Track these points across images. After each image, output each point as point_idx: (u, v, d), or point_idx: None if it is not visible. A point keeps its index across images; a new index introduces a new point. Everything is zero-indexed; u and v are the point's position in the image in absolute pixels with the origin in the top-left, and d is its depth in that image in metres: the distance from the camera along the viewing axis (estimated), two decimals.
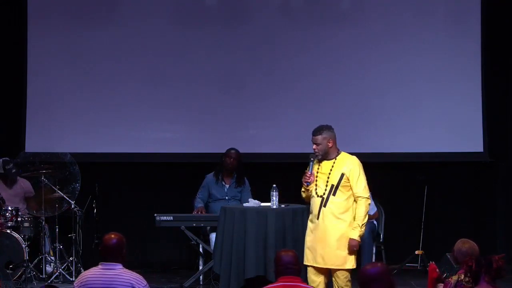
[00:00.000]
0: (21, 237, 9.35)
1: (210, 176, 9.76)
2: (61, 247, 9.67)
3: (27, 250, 9.27)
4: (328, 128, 7.27)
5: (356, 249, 7.15)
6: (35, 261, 9.45)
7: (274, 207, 7.97)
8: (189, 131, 10.81)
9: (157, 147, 10.75)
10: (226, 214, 8.06)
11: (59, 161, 9.92)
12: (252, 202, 8.24)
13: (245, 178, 9.76)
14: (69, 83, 10.81)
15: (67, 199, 9.65)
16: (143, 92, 10.79)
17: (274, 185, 8.02)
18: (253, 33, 10.77)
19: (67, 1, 10.91)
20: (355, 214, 7.14)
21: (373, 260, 9.71)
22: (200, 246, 9.50)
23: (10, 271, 9.08)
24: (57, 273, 9.42)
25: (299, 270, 5.56)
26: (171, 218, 9.23)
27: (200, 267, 9.46)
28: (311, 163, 7.27)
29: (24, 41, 10.83)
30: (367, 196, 7.18)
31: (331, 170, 7.18)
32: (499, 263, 4.94)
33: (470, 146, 10.62)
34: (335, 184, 7.13)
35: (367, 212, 7.22)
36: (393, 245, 10.25)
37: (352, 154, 10.51)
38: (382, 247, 10.01)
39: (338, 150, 7.30)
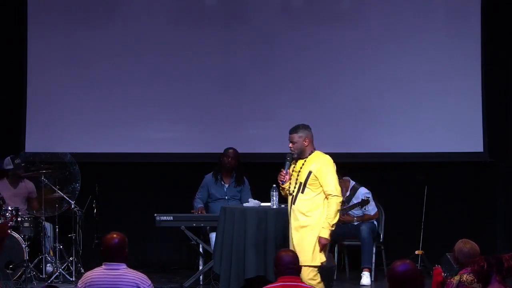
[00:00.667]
0: (21, 237, 9.35)
1: (209, 176, 9.77)
2: (61, 247, 9.67)
3: (27, 250, 9.26)
4: (305, 127, 7.33)
5: (326, 248, 7.18)
6: (35, 261, 9.44)
7: (274, 207, 7.97)
8: (189, 131, 10.81)
9: (157, 147, 10.75)
10: (226, 214, 8.06)
11: (59, 161, 9.91)
12: (252, 202, 8.24)
13: (245, 177, 9.76)
14: (69, 83, 10.81)
15: (67, 199, 9.65)
16: (143, 92, 10.78)
17: (274, 185, 8.02)
18: (253, 33, 10.77)
19: (67, 1, 10.90)
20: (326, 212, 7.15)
21: (373, 260, 9.72)
22: (200, 246, 9.50)
23: (10, 271, 9.07)
24: (57, 273, 9.41)
25: (299, 270, 5.56)
26: (171, 218, 9.23)
27: (200, 267, 9.46)
28: (287, 162, 7.34)
29: (24, 41, 10.82)
30: (337, 194, 7.14)
31: (301, 168, 7.23)
32: (510, 262, 4.93)
33: (470, 146, 10.62)
34: (302, 182, 7.18)
35: (338, 211, 7.18)
36: (393, 245, 10.24)
37: (352, 154, 10.63)
38: (382, 247, 10.01)
39: (314, 149, 7.33)
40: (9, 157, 9.95)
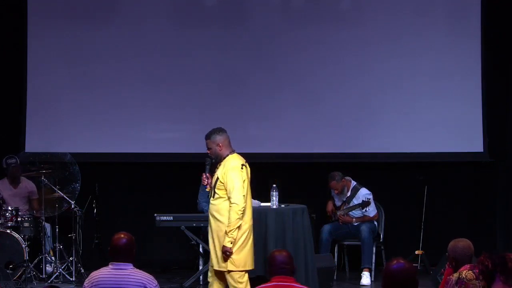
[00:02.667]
0: (21, 237, 9.35)
1: None
2: (61, 247, 9.67)
3: (27, 250, 9.27)
4: (217, 131, 7.35)
5: (227, 254, 7.09)
6: (35, 261, 9.44)
7: (274, 207, 7.98)
8: (189, 131, 10.80)
9: (157, 147, 10.75)
10: None
11: (59, 161, 9.92)
12: (252, 202, 8.23)
13: None
14: (69, 83, 10.82)
15: (67, 199, 9.65)
16: (143, 92, 10.78)
17: (274, 185, 8.02)
18: (253, 33, 10.77)
19: (67, 1, 10.91)
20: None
21: (373, 260, 9.73)
22: (200, 246, 9.50)
23: (10, 271, 9.07)
24: (57, 273, 9.41)
25: (293, 270, 5.53)
26: (171, 218, 9.23)
27: (200, 267, 9.46)
28: (206, 166, 7.37)
29: (24, 41, 10.83)
30: (236, 202, 7.06)
31: (215, 172, 7.27)
32: None
33: (470, 146, 10.62)
34: (213, 186, 7.21)
35: (238, 220, 7.05)
36: (393, 245, 10.25)
37: (352, 154, 10.63)
38: (382, 247, 10.01)
39: (230, 152, 7.31)
40: (4, 159, 9.96)
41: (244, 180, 7.15)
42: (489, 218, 10.78)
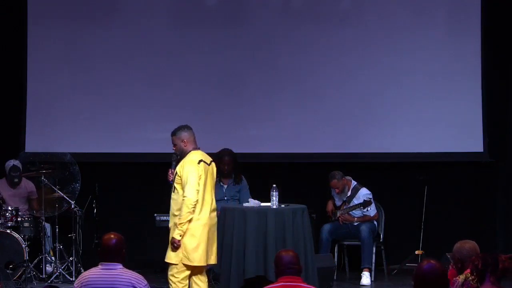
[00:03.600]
0: (21, 237, 9.35)
1: None
2: (61, 247, 9.67)
3: (27, 250, 9.27)
4: (183, 128, 7.47)
5: (175, 246, 7.27)
6: (35, 261, 9.45)
7: (274, 207, 7.98)
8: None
9: (157, 147, 10.72)
10: (226, 214, 8.06)
11: (59, 161, 9.92)
12: (252, 202, 8.24)
13: (243, 176, 9.74)
14: (69, 83, 10.82)
15: (67, 199, 9.65)
16: (143, 92, 10.79)
17: (274, 185, 8.02)
18: (253, 33, 10.77)
19: (67, 2, 10.91)
20: None
21: (373, 260, 9.73)
22: None
23: (10, 271, 9.07)
24: (57, 273, 9.42)
25: (300, 270, 5.54)
26: None
27: None
28: (173, 162, 7.50)
29: (24, 41, 10.83)
30: (188, 196, 7.21)
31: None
32: (505, 264, 4.92)
33: (470, 146, 10.62)
34: (173, 182, 7.34)
35: (189, 213, 7.22)
36: (393, 245, 10.25)
37: (352, 154, 10.63)
38: (382, 247, 10.02)
39: (193, 149, 7.44)
40: (12, 164, 9.94)
41: (200, 176, 7.27)
42: (489, 218, 10.78)
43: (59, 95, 10.83)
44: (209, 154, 10.19)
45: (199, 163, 7.31)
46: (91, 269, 5.64)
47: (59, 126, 10.78)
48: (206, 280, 7.57)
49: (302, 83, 10.71)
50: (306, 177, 10.72)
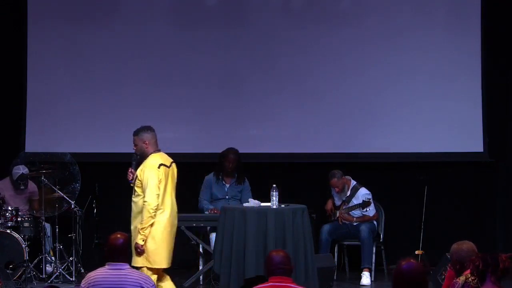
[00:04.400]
0: (21, 237, 9.35)
1: (209, 177, 9.77)
2: (61, 247, 9.67)
3: (27, 250, 9.27)
4: (145, 129, 7.53)
5: (139, 251, 7.26)
6: (35, 261, 9.44)
7: (274, 207, 7.97)
8: (189, 131, 10.81)
9: None
10: (226, 214, 8.06)
11: (59, 161, 9.92)
12: (252, 202, 8.23)
13: (245, 177, 9.76)
14: (69, 83, 10.82)
15: (67, 199, 9.65)
16: (143, 92, 10.79)
17: (274, 185, 8.02)
18: (253, 33, 10.77)
19: (67, 2, 10.91)
20: None
21: (373, 260, 9.73)
22: (200, 246, 9.50)
23: (10, 271, 9.07)
24: (57, 273, 9.41)
25: (291, 271, 5.53)
26: None
27: (200, 267, 9.47)
28: (133, 162, 7.53)
29: (24, 41, 10.83)
30: (148, 201, 7.26)
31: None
32: (505, 263, 4.91)
33: (470, 146, 10.62)
34: (133, 184, 7.38)
35: (150, 218, 7.27)
36: (393, 245, 10.25)
37: (352, 154, 10.63)
38: (382, 247, 10.02)
39: (155, 151, 7.49)
40: (21, 172, 9.94)
41: (160, 180, 7.33)
42: (489, 218, 10.78)
43: (59, 95, 10.83)
44: (210, 154, 10.28)
45: (159, 167, 7.38)
46: (98, 269, 5.63)
47: (59, 126, 10.78)
48: (169, 277, 7.65)
49: (302, 83, 10.71)
50: (306, 177, 10.72)
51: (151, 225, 7.31)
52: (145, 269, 7.31)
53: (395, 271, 4.65)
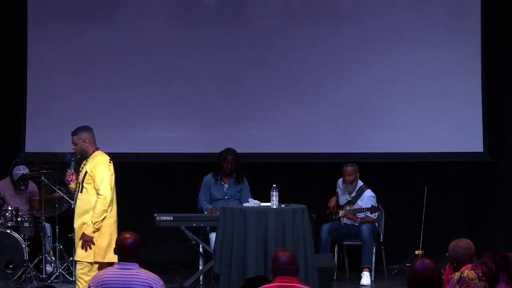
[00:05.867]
0: (21, 237, 9.36)
1: (208, 177, 9.78)
2: (61, 247, 9.67)
3: (27, 250, 9.27)
4: (84, 129, 7.62)
5: (88, 244, 7.35)
6: (35, 261, 9.45)
7: (274, 207, 7.98)
8: (189, 131, 10.81)
9: (157, 147, 10.75)
10: (226, 214, 8.06)
11: (59, 161, 9.91)
12: (252, 202, 8.24)
13: (244, 177, 9.76)
14: (69, 83, 10.82)
15: (67, 199, 9.65)
16: (143, 92, 10.79)
17: (274, 185, 8.02)
18: (253, 33, 10.77)
19: (67, 2, 10.91)
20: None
21: (373, 260, 9.72)
22: (200, 246, 9.50)
23: (10, 271, 9.08)
24: (57, 273, 9.42)
25: (297, 271, 5.53)
26: (171, 218, 9.24)
27: (200, 267, 9.46)
28: (72, 162, 7.61)
29: (24, 41, 10.83)
30: (104, 194, 7.38)
31: (81, 168, 7.52)
32: None
33: (470, 146, 10.62)
34: (80, 181, 7.46)
35: (104, 211, 7.38)
36: (393, 245, 10.25)
37: (352, 154, 10.62)
38: (382, 247, 10.01)
39: (96, 149, 7.59)
40: (22, 173, 9.95)
41: (112, 174, 7.51)
42: (489, 218, 10.78)
43: (59, 95, 10.83)
44: (210, 154, 10.28)
45: (110, 162, 7.55)
46: (107, 268, 5.65)
47: (59, 126, 10.76)
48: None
49: (302, 83, 10.71)
50: (306, 177, 10.72)
51: (103, 219, 7.38)
52: (89, 264, 7.35)
53: (409, 271, 4.66)
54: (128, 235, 5.65)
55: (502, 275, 4.90)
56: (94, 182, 7.40)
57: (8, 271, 9.04)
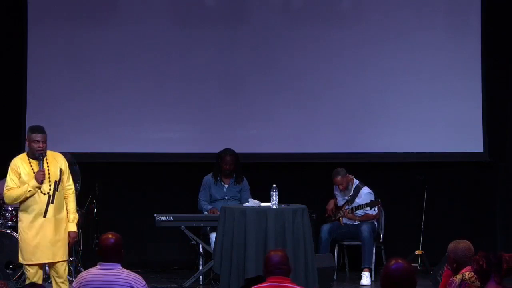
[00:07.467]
0: None
1: (208, 177, 9.78)
2: None
3: None
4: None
5: (75, 240, 7.63)
6: None
7: (274, 207, 7.98)
8: (189, 131, 10.81)
9: (157, 147, 10.75)
10: (226, 214, 8.06)
11: None
12: (252, 202, 8.24)
13: (244, 177, 9.76)
14: (69, 83, 10.82)
15: None
16: (143, 92, 10.78)
17: (274, 185, 8.02)
18: (253, 33, 10.77)
19: (67, 2, 10.91)
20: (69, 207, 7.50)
21: (373, 260, 9.73)
22: (200, 246, 9.50)
23: (10, 271, 9.07)
24: None
25: (289, 271, 5.53)
26: (171, 218, 9.24)
27: (200, 267, 9.46)
28: (41, 161, 7.50)
29: (24, 41, 10.82)
30: (74, 189, 7.62)
31: (48, 166, 7.49)
32: (509, 263, 4.90)
33: (470, 146, 10.62)
34: (57, 179, 7.46)
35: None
36: (393, 245, 10.25)
37: (352, 154, 10.64)
38: (382, 247, 10.02)
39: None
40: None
41: None
42: (489, 218, 10.78)
43: (59, 96, 10.83)
44: (210, 154, 10.28)
45: None
46: (90, 269, 5.66)
47: (59, 126, 10.76)
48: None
49: (302, 83, 10.71)
50: (306, 177, 10.72)
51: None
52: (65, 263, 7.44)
53: (383, 272, 4.64)
54: (110, 236, 5.66)
55: (493, 274, 4.90)
56: (64, 180, 7.49)
57: (8, 271, 9.04)
